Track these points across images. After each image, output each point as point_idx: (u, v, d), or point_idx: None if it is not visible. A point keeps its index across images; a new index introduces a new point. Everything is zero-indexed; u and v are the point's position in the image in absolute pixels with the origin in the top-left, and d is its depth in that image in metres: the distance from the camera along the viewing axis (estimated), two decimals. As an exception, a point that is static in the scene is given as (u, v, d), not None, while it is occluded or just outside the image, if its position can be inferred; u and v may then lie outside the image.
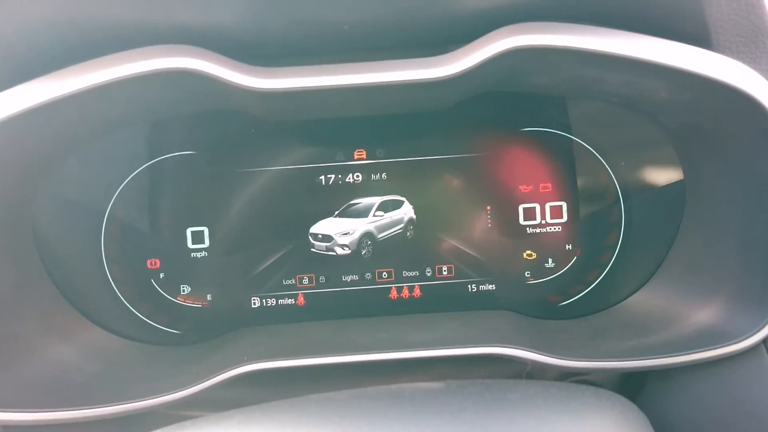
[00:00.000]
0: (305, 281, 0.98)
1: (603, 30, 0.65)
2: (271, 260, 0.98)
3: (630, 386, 0.88)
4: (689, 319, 0.82)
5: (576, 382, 0.94)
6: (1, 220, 0.78)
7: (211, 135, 0.96)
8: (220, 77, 0.64)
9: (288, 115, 0.83)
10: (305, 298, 0.99)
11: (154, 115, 0.87)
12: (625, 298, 0.95)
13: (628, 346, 0.81)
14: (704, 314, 0.81)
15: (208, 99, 0.74)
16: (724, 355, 0.74)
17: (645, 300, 0.93)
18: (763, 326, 0.71)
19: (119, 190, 0.96)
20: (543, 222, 0.98)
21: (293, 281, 0.98)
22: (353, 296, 0.98)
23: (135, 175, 0.96)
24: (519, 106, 0.96)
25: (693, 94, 0.69)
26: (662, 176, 0.94)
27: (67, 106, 0.66)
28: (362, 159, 0.97)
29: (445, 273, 0.99)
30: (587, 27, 0.65)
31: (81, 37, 0.64)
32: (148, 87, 0.68)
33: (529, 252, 0.99)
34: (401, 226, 0.98)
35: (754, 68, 0.68)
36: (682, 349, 0.75)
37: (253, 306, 0.98)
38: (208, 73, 0.63)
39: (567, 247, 0.99)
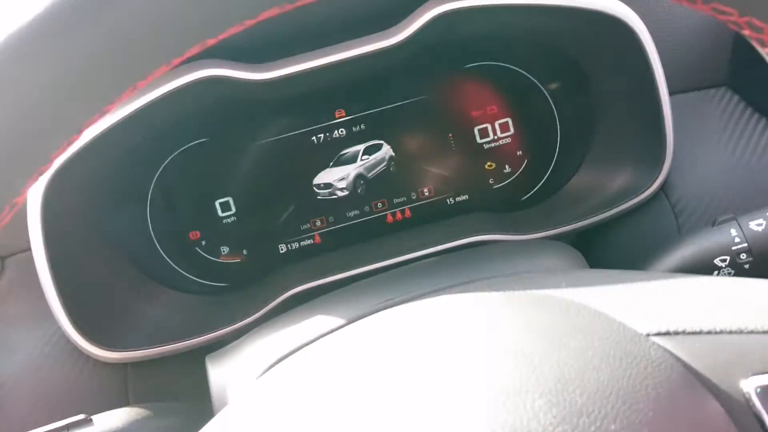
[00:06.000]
0: (318, 223, 1.10)
1: None
2: (288, 212, 1.09)
3: (580, 245, 1.07)
4: (610, 185, 1.00)
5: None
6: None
7: (219, 122, 1.10)
8: (238, 77, 0.85)
9: (283, 94, 1.01)
10: (320, 237, 1.11)
11: (173, 118, 1.04)
12: (567, 182, 1.09)
13: (572, 214, 1.01)
14: (620, 179, 1.00)
15: (218, 96, 0.94)
16: (637, 204, 0.97)
17: (581, 179, 1.08)
18: (657, 178, 0.96)
19: (153, 181, 1.10)
20: (495, 137, 1.10)
21: (308, 225, 1.10)
22: (358, 227, 1.10)
23: (163, 167, 1.09)
24: (460, 50, 1.10)
25: (575, 25, 0.92)
26: (579, 87, 1.09)
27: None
28: (342, 117, 1.08)
29: (426, 194, 1.11)
30: None
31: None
32: (177, 97, 0.88)
33: (489, 163, 1.11)
34: (385, 163, 1.09)
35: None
36: (608, 207, 0.98)
37: (281, 251, 1.10)
38: (229, 76, 0.85)
39: (518, 153, 1.12)
